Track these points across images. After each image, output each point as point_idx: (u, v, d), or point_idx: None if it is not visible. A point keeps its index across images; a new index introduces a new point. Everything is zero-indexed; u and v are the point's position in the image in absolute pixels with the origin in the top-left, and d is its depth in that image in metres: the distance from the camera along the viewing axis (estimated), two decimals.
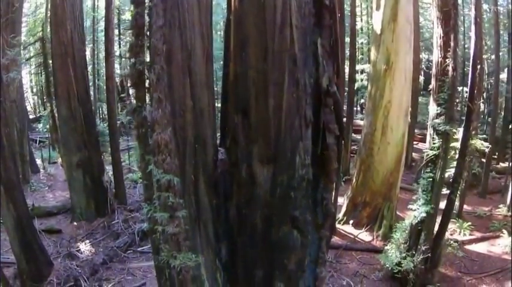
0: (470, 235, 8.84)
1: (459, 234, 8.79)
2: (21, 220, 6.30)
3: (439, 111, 5.98)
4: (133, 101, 4.16)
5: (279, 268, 4.50)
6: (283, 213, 4.24)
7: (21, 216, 6.30)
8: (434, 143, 6.04)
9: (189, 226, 4.18)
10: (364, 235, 8.31)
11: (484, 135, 10.93)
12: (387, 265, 6.81)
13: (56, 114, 8.43)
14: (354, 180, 8.41)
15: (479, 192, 10.69)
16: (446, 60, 5.81)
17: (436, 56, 6.07)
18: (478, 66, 6.18)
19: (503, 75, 14.41)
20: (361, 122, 10.19)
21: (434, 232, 6.51)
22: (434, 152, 5.97)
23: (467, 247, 8.51)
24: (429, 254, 6.36)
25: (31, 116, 17.09)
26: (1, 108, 5.71)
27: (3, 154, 5.82)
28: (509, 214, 9.52)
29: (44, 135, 14.13)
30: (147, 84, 3.93)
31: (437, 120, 5.95)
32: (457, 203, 9.40)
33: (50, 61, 8.50)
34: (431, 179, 6.13)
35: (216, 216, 4.57)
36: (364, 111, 10.96)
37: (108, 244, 7.83)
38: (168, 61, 3.85)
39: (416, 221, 6.25)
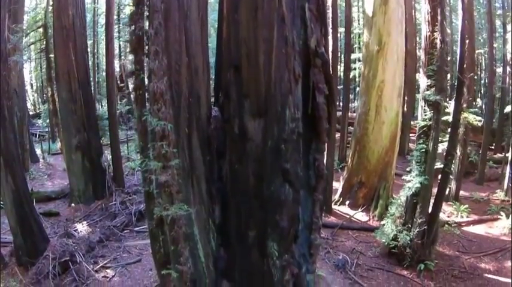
0: (467, 217, 8.85)
1: (456, 216, 8.81)
2: (19, 193, 6.41)
3: (429, 83, 6.15)
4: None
5: (272, 226, 4.59)
6: (275, 166, 4.37)
7: (19, 189, 6.41)
8: (425, 115, 6.18)
9: (182, 180, 4.32)
10: (360, 215, 8.35)
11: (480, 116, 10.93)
12: (383, 240, 6.84)
13: (57, 98, 8.64)
14: (350, 160, 8.51)
15: (477, 179, 10.74)
16: (434, 34, 6.03)
17: (424, 31, 6.30)
18: (467, 41, 6.36)
19: (499, 69, 14.66)
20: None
21: (430, 208, 6.57)
22: (426, 123, 6.10)
23: (465, 228, 8.53)
24: (425, 227, 6.40)
25: (31, 113, 17.37)
26: (2, 79, 5.91)
27: (3, 125, 6.00)
28: (507, 198, 9.55)
29: (44, 130, 14.37)
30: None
31: (427, 92, 6.11)
32: (453, 187, 9.51)
33: (52, 48, 8.76)
34: (424, 151, 6.23)
35: (209, 173, 4.69)
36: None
37: (105, 224, 7.90)
38: (165, 19, 4.09)
39: (411, 192, 6.33)
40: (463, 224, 8.60)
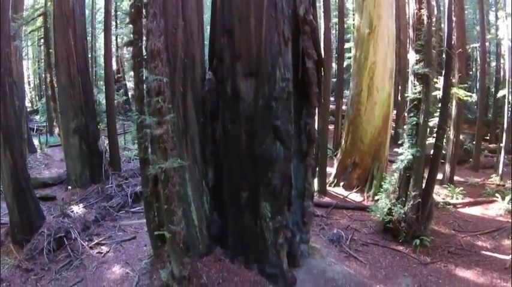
0: (462, 199, 8.96)
1: (451, 198, 8.93)
2: (17, 168, 6.54)
3: (418, 58, 6.39)
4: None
5: (264, 184, 4.75)
6: (266, 124, 4.56)
7: (17, 164, 6.54)
8: (415, 88, 6.40)
9: (177, 138, 4.49)
10: (354, 196, 8.46)
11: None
12: (378, 215, 6.94)
13: (55, 84, 8.87)
14: (343, 142, 8.69)
15: (471, 166, 10.89)
16: (421, 10, 6.31)
17: (412, 8, 6.58)
18: (454, 18, 6.64)
19: (493, 64, 14.99)
20: None
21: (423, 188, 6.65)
22: (416, 96, 6.30)
23: (461, 210, 8.62)
24: (419, 200, 6.51)
25: (28, 109, 17.62)
26: (4, 56, 6.13)
27: (4, 100, 6.19)
28: (502, 183, 9.68)
29: (42, 124, 14.58)
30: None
31: (416, 66, 6.35)
32: (448, 170, 9.66)
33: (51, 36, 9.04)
34: (415, 124, 6.42)
35: (203, 135, 4.87)
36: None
37: (101, 205, 8.00)
38: None
39: (404, 165, 6.46)
40: (459, 205, 8.71)
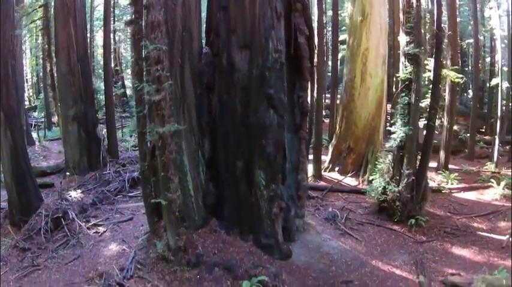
0: (457, 185, 9.12)
1: (447, 184, 9.08)
2: (17, 149, 6.71)
3: (408, 40, 6.66)
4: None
5: (258, 152, 4.95)
6: (260, 92, 4.79)
7: (17, 144, 6.71)
8: (406, 69, 6.65)
9: (174, 107, 4.70)
10: (349, 181, 8.63)
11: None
12: (373, 195, 7.09)
13: (55, 73, 9.10)
14: (337, 127, 8.90)
15: (466, 155, 11.09)
16: None
17: None
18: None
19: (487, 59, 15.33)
20: None
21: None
22: (407, 76, 6.54)
23: (456, 195, 8.77)
24: (413, 179, 6.67)
25: (26, 107, 17.85)
26: (7, 39, 6.37)
27: (6, 82, 6.40)
28: (497, 170, 9.84)
29: (40, 120, 14.79)
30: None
31: (407, 48, 6.61)
32: (442, 157, 9.84)
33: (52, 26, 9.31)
34: (407, 103, 6.64)
35: (199, 107, 5.08)
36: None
37: (99, 190, 8.13)
38: None
39: (397, 143, 6.65)
40: (454, 190, 8.86)
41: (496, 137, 10.08)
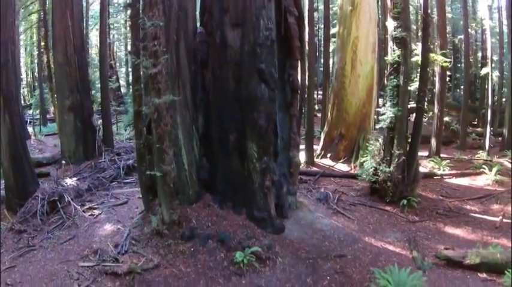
0: (450, 171, 9.34)
1: (439, 170, 9.29)
2: (15, 133, 6.85)
3: (396, 24, 6.96)
4: None
5: (250, 125, 5.17)
6: (251, 67, 5.04)
7: (15, 129, 6.86)
8: (394, 52, 6.93)
9: (170, 81, 4.93)
10: (341, 166, 8.84)
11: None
12: (364, 176, 7.30)
13: (52, 65, 9.30)
14: (329, 114, 9.15)
15: (458, 146, 11.36)
16: None
17: None
18: None
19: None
20: None
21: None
22: (395, 59, 6.82)
23: (448, 180, 8.99)
24: (404, 159, 6.89)
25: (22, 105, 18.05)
26: (8, 25, 6.58)
27: (6, 67, 6.58)
28: (489, 158, 10.06)
29: (35, 117, 14.97)
30: None
31: (394, 32, 6.91)
32: (434, 144, 10.09)
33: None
34: (395, 85, 6.91)
35: (194, 82, 5.31)
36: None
37: (94, 176, 8.26)
38: None
39: (387, 124, 6.89)
40: (446, 176, 9.08)
41: (487, 125, 10.36)
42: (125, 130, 12.48)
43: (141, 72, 4.74)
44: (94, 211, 6.94)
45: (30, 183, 7.09)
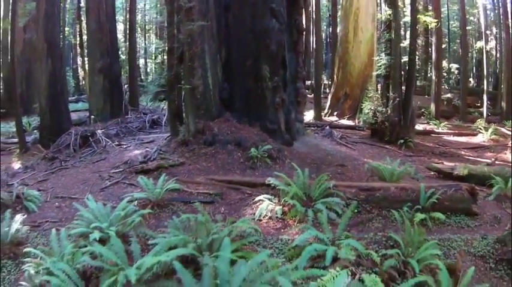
0: (448, 131, 10.48)
1: (437, 129, 10.45)
2: (55, 74, 8.34)
3: None
4: None
5: (264, 52, 6.66)
6: (264, 7, 6.63)
7: (55, 70, 8.36)
8: (386, 12, 8.44)
9: (200, 16, 6.42)
10: (347, 122, 10.13)
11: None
12: (364, 118, 8.56)
13: (85, 32, 11.03)
14: (335, 77, 10.54)
15: (459, 118, 12.51)
16: None
17: None
18: None
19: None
20: None
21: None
22: (387, 17, 8.33)
23: (446, 137, 10.13)
24: (398, 99, 8.15)
25: None
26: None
27: (52, 18, 8.22)
28: (487, 125, 11.19)
29: None
30: None
31: None
32: (433, 108, 11.29)
33: None
34: (388, 39, 8.35)
35: (218, 20, 6.81)
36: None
37: (121, 125, 9.63)
38: None
39: (383, 72, 8.25)
40: (444, 135, 10.22)
41: (484, 94, 11.59)
42: (147, 104, 13.93)
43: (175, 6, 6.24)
44: (123, 145, 8.25)
45: (65, 121, 8.50)
